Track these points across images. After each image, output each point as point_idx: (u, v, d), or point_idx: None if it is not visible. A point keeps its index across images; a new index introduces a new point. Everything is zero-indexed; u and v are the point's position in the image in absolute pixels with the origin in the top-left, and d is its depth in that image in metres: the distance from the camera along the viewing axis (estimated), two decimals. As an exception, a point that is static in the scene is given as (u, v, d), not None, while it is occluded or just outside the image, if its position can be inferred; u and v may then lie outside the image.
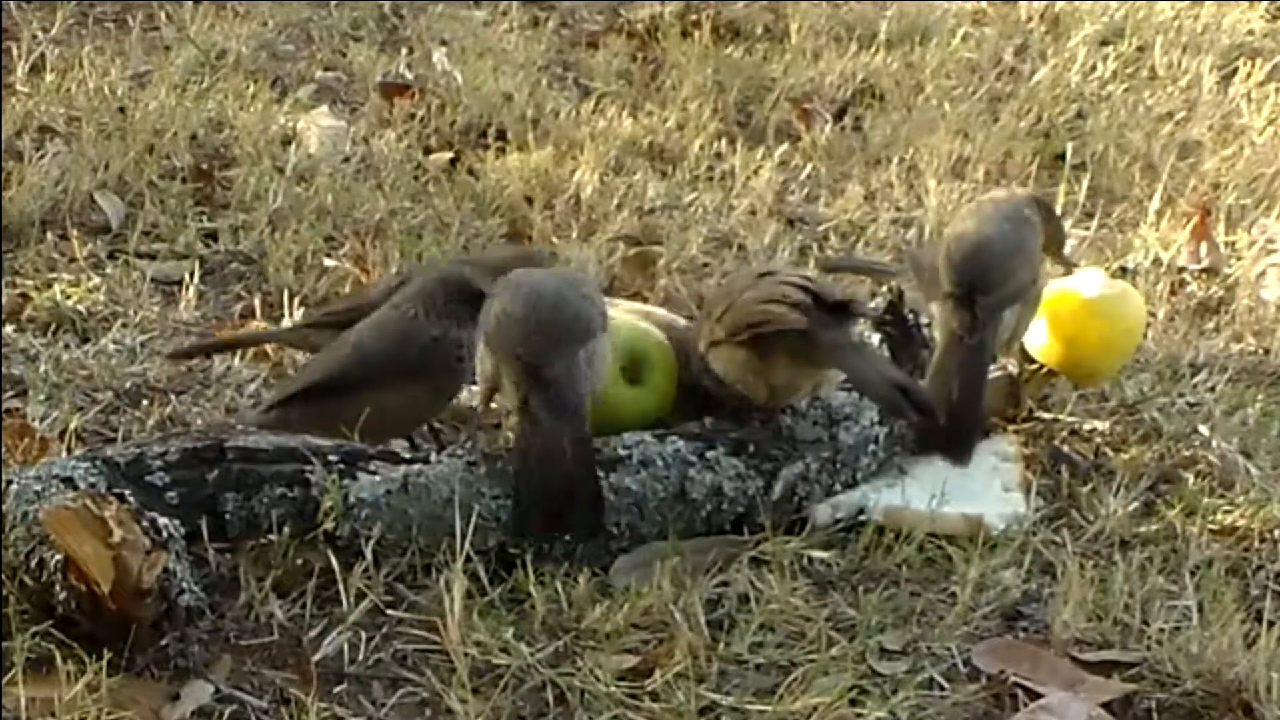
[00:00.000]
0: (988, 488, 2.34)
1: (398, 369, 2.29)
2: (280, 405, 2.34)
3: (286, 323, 2.69)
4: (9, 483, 2.05)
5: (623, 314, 2.41)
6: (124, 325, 2.70)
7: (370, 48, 3.74)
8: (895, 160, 3.37)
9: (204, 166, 3.17)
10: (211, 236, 3.00)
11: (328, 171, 3.17)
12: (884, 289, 2.59)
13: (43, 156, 3.12)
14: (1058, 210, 3.12)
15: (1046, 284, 2.50)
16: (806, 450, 2.29)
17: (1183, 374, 2.72)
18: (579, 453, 2.12)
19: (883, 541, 2.23)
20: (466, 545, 2.06)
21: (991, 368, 2.45)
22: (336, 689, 1.96)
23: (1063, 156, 3.44)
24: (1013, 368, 2.53)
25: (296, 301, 2.76)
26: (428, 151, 3.33)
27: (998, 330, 2.39)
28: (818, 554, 2.21)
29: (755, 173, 3.29)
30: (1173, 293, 3.03)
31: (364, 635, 2.03)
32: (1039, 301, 2.47)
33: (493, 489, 2.13)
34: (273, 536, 2.11)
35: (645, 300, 2.75)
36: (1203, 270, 3.11)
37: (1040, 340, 2.53)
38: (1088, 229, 3.16)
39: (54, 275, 2.83)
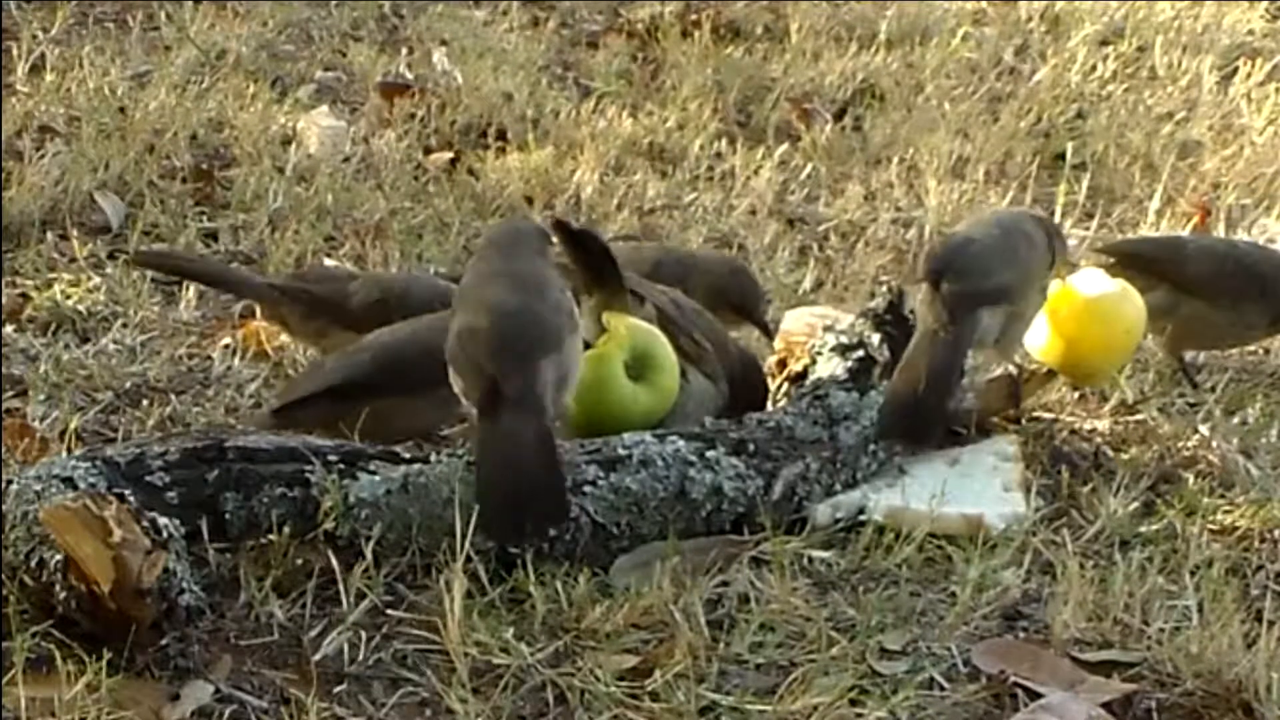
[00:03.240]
0: (988, 488, 2.34)
1: (414, 380, 2.28)
2: (290, 407, 2.34)
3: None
4: (9, 483, 2.05)
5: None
6: (124, 325, 2.70)
7: (370, 48, 3.74)
8: (895, 160, 3.38)
9: (204, 166, 3.17)
10: (211, 236, 3.00)
11: (328, 171, 3.17)
12: (884, 288, 2.59)
13: (43, 156, 3.12)
14: (1057, 212, 3.14)
15: (1042, 298, 2.48)
16: (806, 450, 2.29)
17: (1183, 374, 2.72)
18: (540, 449, 2.08)
19: (883, 541, 2.23)
20: (466, 545, 2.06)
21: (969, 364, 2.46)
22: (336, 689, 1.96)
23: (1063, 156, 3.44)
24: (1013, 368, 2.53)
25: (296, 301, 2.76)
26: (428, 151, 3.34)
27: (974, 328, 2.38)
28: (818, 554, 2.21)
29: (755, 173, 3.30)
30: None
31: (364, 635, 2.02)
32: (1030, 316, 2.46)
33: (493, 489, 2.13)
34: (273, 536, 2.11)
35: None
36: (1203, 270, 3.10)
37: (1040, 340, 2.53)
38: (1088, 229, 3.16)
39: (54, 275, 2.83)
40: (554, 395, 2.14)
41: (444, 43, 3.76)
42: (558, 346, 2.15)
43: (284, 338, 2.66)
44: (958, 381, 2.39)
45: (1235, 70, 3.80)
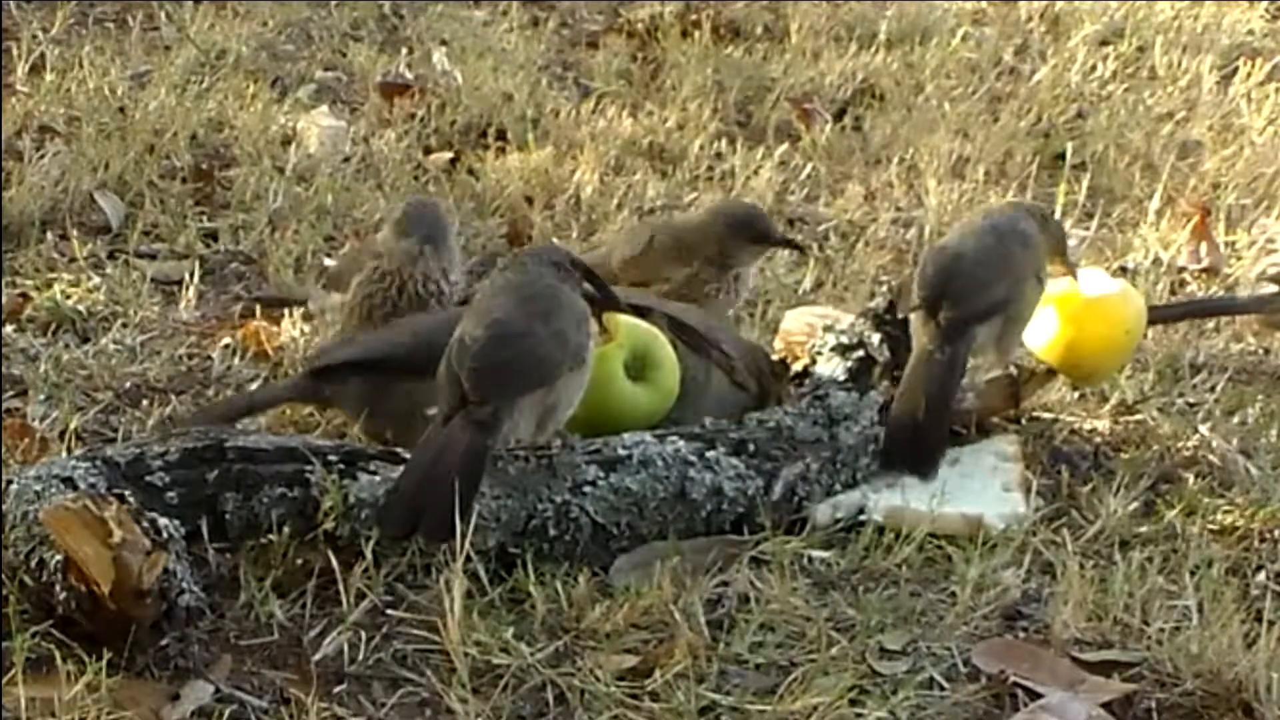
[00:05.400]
0: (988, 488, 2.34)
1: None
2: (323, 371, 2.33)
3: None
4: (9, 483, 2.06)
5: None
6: (124, 325, 2.70)
7: (370, 48, 3.74)
8: (895, 160, 3.38)
9: (204, 166, 3.17)
10: (211, 236, 3.00)
11: (328, 171, 3.18)
12: (884, 288, 2.59)
13: (43, 156, 3.12)
14: (1058, 212, 3.13)
15: (1038, 299, 2.48)
16: (806, 450, 2.30)
17: (1183, 374, 2.72)
18: (464, 467, 2.05)
19: (883, 541, 2.23)
20: (466, 545, 2.06)
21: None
22: (336, 689, 1.96)
23: (1063, 156, 3.44)
24: (1012, 368, 2.53)
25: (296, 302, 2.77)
26: (428, 151, 3.34)
27: (969, 345, 2.37)
28: (818, 554, 2.21)
29: (755, 173, 3.29)
30: (1173, 293, 3.03)
31: (364, 635, 2.03)
32: (1027, 315, 2.46)
33: (493, 489, 2.13)
34: (273, 536, 2.11)
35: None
36: (1203, 270, 3.11)
37: (1041, 340, 2.53)
38: (1088, 229, 3.16)
39: (54, 275, 2.83)
40: (529, 428, 2.12)
41: (444, 43, 3.76)
42: (546, 381, 2.12)
43: (284, 338, 2.66)
44: (955, 402, 2.39)
45: (1235, 70, 3.80)
